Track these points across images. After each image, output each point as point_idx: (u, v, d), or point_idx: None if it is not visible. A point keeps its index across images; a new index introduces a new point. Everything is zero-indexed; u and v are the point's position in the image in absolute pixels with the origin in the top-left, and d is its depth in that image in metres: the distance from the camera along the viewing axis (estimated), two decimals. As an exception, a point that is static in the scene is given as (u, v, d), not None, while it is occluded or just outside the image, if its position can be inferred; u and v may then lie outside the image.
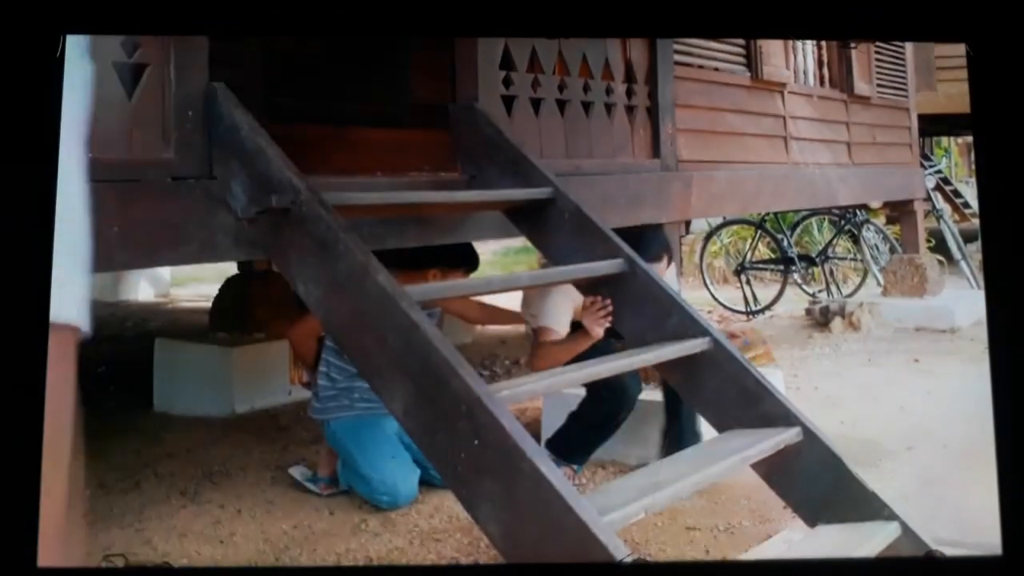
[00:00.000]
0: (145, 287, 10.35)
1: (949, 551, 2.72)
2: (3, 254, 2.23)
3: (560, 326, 3.62)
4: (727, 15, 2.73)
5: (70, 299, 1.27)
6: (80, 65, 1.50)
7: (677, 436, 3.77)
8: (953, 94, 9.49)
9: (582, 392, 3.98)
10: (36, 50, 2.32)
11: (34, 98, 2.31)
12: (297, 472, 3.82)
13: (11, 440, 2.17)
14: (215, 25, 2.58)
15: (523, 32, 3.56)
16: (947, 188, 12.08)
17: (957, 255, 9.01)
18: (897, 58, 7.71)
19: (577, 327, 3.45)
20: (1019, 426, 2.35)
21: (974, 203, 11.20)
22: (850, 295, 8.32)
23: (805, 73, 6.40)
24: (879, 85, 7.26)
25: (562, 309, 3.62)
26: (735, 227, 9.63)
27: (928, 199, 8.81)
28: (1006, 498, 2.33)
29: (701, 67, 5.26)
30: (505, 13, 2.68)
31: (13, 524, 2.14)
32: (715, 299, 8.54)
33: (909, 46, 7.84)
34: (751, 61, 5.70)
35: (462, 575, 2.85)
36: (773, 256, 8.92)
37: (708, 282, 8.85)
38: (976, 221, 10.48)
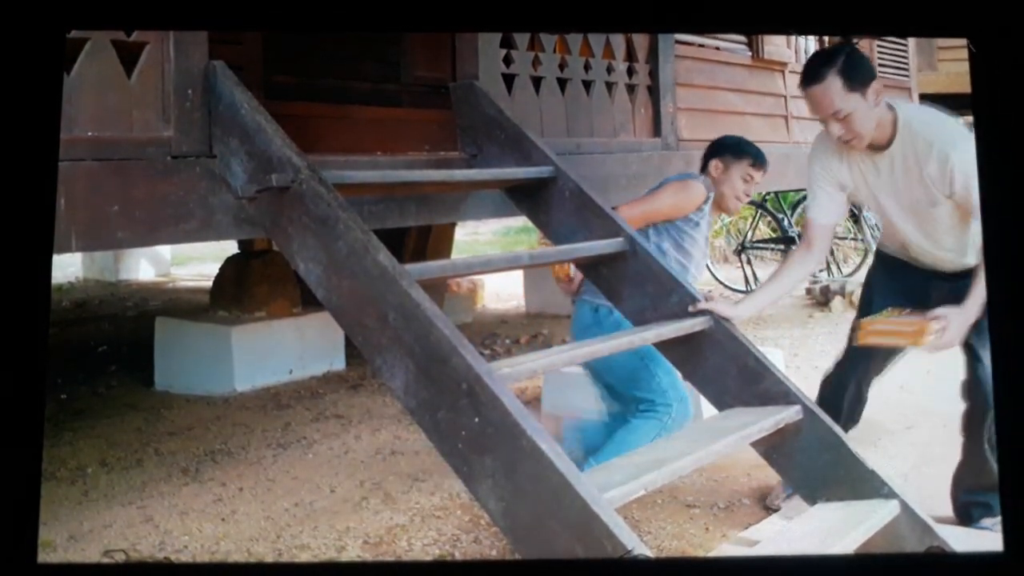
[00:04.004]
0: (145, 266, 10.36)
1: (947, 530, 2.74)
2: (3, 253, 2.24)
3: (823, 216, 3.07)
4: (727, 11, 2.72)
5: None
6: None
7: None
8: (954, 73, 9.46)
9: (583, 371, 3.97)
10: (37, 46, 2.32)
11: (35, 93, 2.32)
12: None
13: (11, 440, 2.18)
14: (214, 21, 2.57)
15: (522, 28, 3.55)
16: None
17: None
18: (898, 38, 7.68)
19: None
20: (1019, 420, 2.36)
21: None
22: (850, 274, 8.32)
23: (806, 53, 6.38)
24: (880, 64, 7.24)
25: (821, 200, 3.07)
26: (736, 206, 9.60)
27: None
28: (1006, 497, 2.34)
29: (702, 46, 5.25)
30: (504, 9, 2.67)
31: (13, 522, 2.15)
32: (716, 278, 8.53)
33: (911, 24, 7.82)
34: (752, 41, 5.69)
35: (461, 572, 2.86)
36: (774, 236, 8.90)
37: (709, 261, 8.83)
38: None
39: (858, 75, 2.78)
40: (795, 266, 3.11)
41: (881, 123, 2.82)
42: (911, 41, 7.82)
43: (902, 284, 3.11)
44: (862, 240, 8.68)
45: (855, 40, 2.83)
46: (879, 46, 7.24)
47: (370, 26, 2.75)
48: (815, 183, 3.04)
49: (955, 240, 2.93)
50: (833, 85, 2.77)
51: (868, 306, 3.20)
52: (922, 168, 2.82)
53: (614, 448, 3.17)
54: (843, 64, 2.76)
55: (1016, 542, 2.29)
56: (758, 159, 3.43)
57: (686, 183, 3.43)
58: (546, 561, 2.14)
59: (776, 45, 5.94)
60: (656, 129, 4.55)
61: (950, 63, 9.53)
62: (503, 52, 3.68)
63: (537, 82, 3.86)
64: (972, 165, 2.69)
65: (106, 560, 2.87)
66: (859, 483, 2.74)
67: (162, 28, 2.60)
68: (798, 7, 2.66)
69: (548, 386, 4.15)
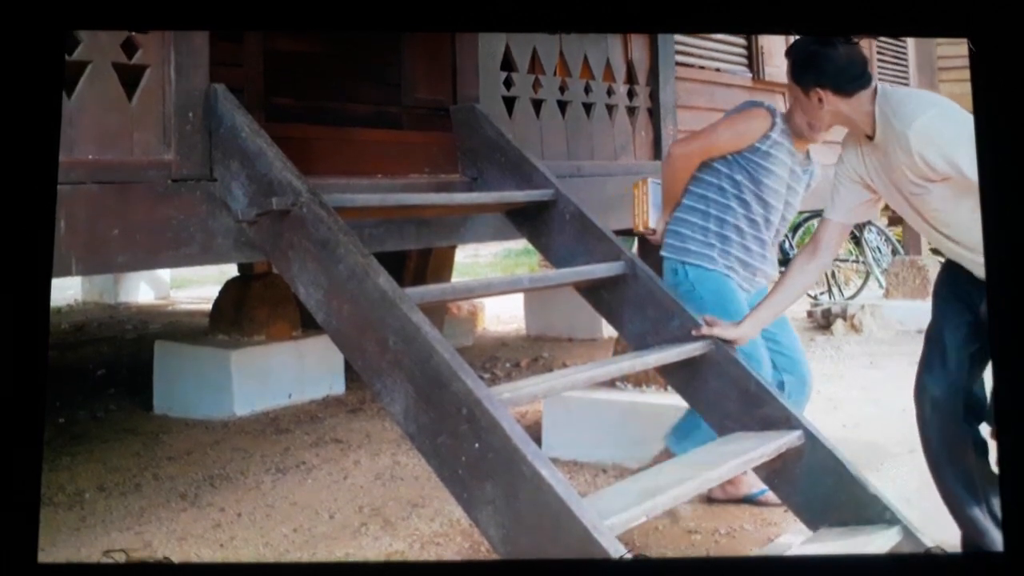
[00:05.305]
0: (145, 289, 10.35)
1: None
2: (4, 253, 2.23)
3: (837, 214, 2.90)
4: (728, 11, 2.73)
5: None
6: None
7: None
8: (955, 94, 9.48)
9: (584, 395, 3.96)
10: (37, 46, 2.32)
11: (35, 94, 2.32)
12: None
13: (11, 440, 2.17)
14: (214, 20, 2.57)
15: (523, 28, 3.53)
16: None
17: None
18: (899, 58, 7.70)
19: None
20: (1020, 426, 2.35)
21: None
22: (852, 297, 8.31)
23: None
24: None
25: (839, 196, 2.89)
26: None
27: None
28: (1007, 497, 2.33)
29: (702, 68, 5.26)
30: (505, 8, 2.67)
31: (13, 522, 2.14)
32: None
33: (911, 46, 7.84)
34: (752, 62, 5.70)
35: (461, 572, 2.83)
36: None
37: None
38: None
39: (800, 74, 2.88)
40: (797, 273, 2.97)
41: (869, 112, 2.74)
42: (911, 61, 7.84)
43: (959, 289, 2.79)
44: (863, 262, 8.67)
45: (855, 40, 2.81)
46: (879, 65, 7.25)
47: (370, 25, 2.75)
48: (837, 179, 2.91)
49: (967, 233, 2.63)
50: (787, 67, 2.94)
51: (934, 315, 2.88)
52: (898, 156, 2.67)
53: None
54: (795, 56, 2.89)
55: (1016, 542, 2.28)
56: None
57: (745, 111, 3.31)
58: (546, 561, 2.12)
59: (776, 67, 5.94)
60: (657, 151, 4.54)
61: (951, 84, 9.54)
62: (504, 75, 3.69)
63: (538, 105, 3.86)
64: (945, 136, 2.56)
65: (106, 560, 2.85)
66: (862, 508, 2.72)
67: (162, 28, 2.59)
68: (798, 7, 2.66)
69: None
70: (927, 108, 2.64)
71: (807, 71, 2.85)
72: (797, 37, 2.95)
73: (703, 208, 3.28)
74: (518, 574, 2.26)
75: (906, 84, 7.72)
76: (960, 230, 2.66)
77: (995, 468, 2.72)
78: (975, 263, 2.66)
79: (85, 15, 2.42)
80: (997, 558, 2.35)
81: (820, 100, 2.82)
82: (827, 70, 2.79)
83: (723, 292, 3.24)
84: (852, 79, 2.76)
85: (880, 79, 7.20)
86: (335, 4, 2.57)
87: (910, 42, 7.94)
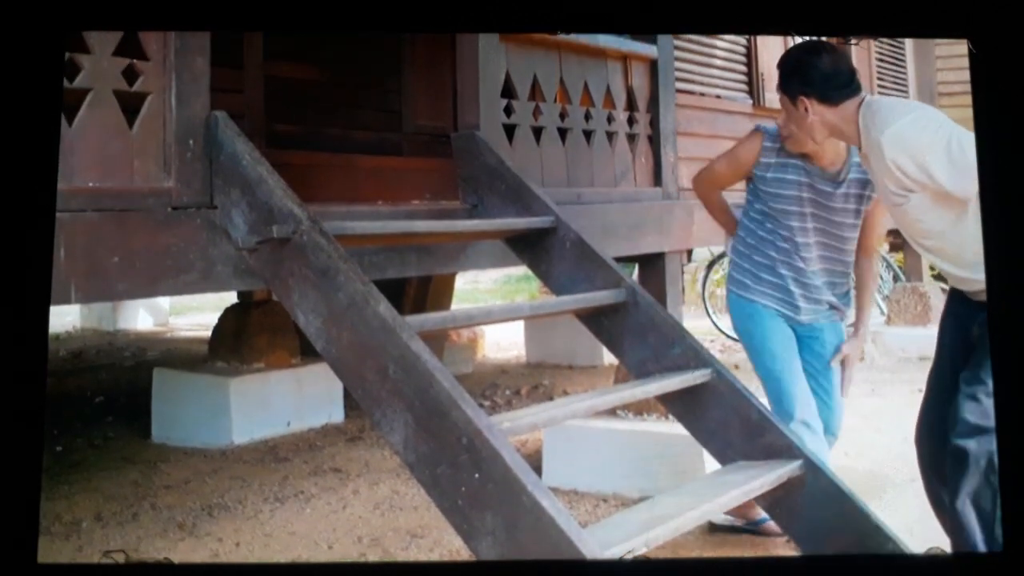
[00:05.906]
0: (144, 316, 10.33)
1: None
2: (4, 255, 2.23)
3: None
4: (728, 12, 2.73)
5: None
6: None
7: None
8: (956, 119, 9.51)
9: (585, 424, 3.94)
10: (37, 73, 2.32)
11: (35, 122, 2.32)
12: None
13: (11, 440, 2.16)
14: (213, 20, 2.56)
15: (522, 28, 3.51)
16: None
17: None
18: (899, 82, 7.72)
19: None
20: (1020, 426, 2.34)
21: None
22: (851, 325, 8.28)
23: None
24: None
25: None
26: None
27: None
28: (1006, 497, 2.31)
29: (703, 94, 5.27)
30: (503, 8, 2.67)
31: (13, 522, 2.13)
32: (718, 328, 8.50)
33: (911, 69, 7.86)
34: (753, 88, 5.70)
35: (461, 573, 2.81)
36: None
37: (711, 311, 8.81)
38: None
39: (786, 83, 2.93)
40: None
41: (856, 122, 2.75)
42: (911, 85, 7.86)
43: (959, 317, 2.76)
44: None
45: (853, 41, 2.83)
46: (879, 88, 7.27)
47: (368, 26, 2.74)
48: None
49: (948, 244, 2.64)
50: (776, 79, 2.99)
51: (936, 348, 2.88)
52: (877, 164, 2.67)
53: None
54: (782, 66, 2.95)
55: (1016, 542, 2.26)
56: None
57: (742, 137, 3.35)
58: (547, 562, 2.10)
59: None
60: (657, 178, 4.54)
61: (951, 109, 9.57)
62: (504, 102, 3.69)
63: (538, 132, 3.86)
64: (918, 142, 2.55)
65: (106, 561, 2.83)
66: (864, 537, 2.69)
67: (161, 28, 2.58)
68: (798, 7, 2.67)
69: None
70: (902, 115, 2.66)
71: (792, 79, 2.90)
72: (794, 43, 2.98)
73: (743, 236, 3.35)
74: (517, 575, 2.24)
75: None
76: (942, 241, 2.67)
77: None
78: (958, 277, 2.70)
79: (86, 22, 2.42)
80: (997, 558, 2.34)
81: (806, 109, 2.86)
82: (812, 78, 2.84)
83: (745, 319, 3.33)
84: (837, 88, 2.81)
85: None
86: (334, 4, 2.57)
87: (910, 65, 7.97)
